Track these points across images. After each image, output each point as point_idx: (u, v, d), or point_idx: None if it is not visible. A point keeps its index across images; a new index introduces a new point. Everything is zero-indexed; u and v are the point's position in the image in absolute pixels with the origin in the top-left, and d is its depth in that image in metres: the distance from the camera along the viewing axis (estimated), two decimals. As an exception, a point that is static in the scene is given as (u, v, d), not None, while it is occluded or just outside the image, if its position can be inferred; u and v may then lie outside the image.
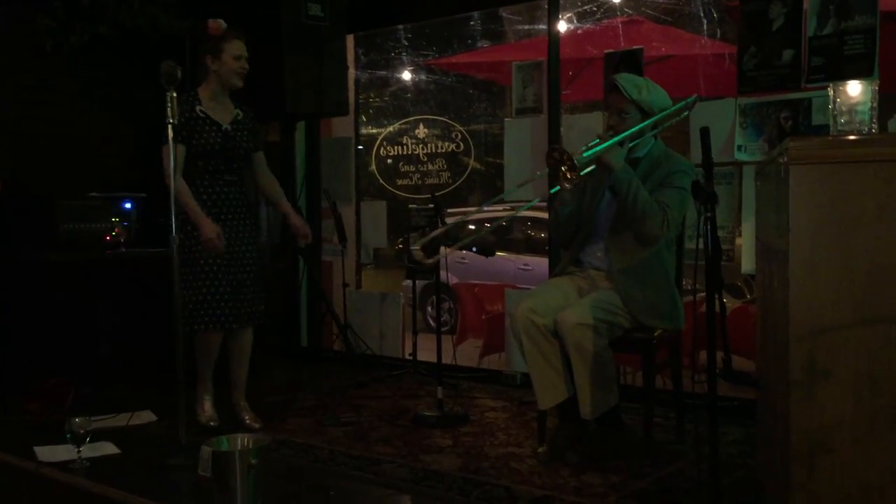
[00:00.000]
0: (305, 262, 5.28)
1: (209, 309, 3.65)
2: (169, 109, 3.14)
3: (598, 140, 3.19)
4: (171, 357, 3.20)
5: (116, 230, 4.62)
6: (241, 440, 2.71)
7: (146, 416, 3.85)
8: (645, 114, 3.25)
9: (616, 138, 3.17)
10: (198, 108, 3.67)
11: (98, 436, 3.29)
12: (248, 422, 3.77)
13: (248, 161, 3.86)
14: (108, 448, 3.32)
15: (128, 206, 4.71)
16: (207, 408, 3.76)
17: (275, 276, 5.23)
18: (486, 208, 7.22)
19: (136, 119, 4.81)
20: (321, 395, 4.39)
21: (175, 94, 3.15)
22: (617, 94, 3.26)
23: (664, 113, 3.27)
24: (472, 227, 8.43)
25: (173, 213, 3.20)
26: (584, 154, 3.06)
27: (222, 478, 2.56)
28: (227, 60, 3.68)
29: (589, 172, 3.18)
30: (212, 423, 3.69)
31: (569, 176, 3.01)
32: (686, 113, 3.40)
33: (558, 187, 3.14)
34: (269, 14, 4.60)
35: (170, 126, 3.16)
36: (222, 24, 3.68)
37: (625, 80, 3.27)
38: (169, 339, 3.33)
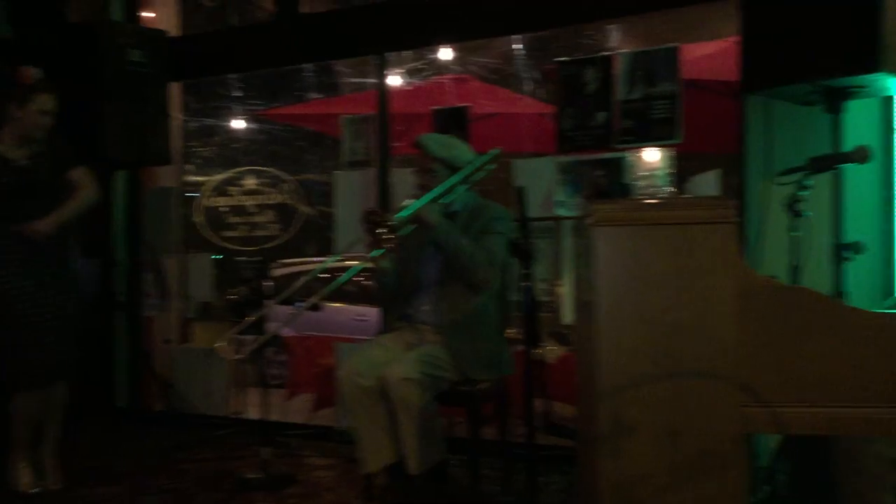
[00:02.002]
0: (126, 315, 5.01)
1: (26, 367, 3.47)
2: None
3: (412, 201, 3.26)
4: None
5: None
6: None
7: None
8: (453, 169, 3.34)
9: (429, 195, 3.24)
10: None
11: None
12: (47, 480, 3.58)
13: (52, 197, 3.53)
14: None
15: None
16: (27, 474, 3.55)
17: (89, 330, 4.91)
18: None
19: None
20: (139, 458, 4.13)
21: None
22: (422, 154, 3.35)
23: (471, 166, 3.37)
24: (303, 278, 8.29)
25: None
26: (400, 214, 3.10)
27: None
28: (31, 113, 3.47)
29: (407, 232, 3.22)
30: (35, 490, 3.49)
31: (386, 237, 3.05)
32: (493, 165, 3.50)
33: (382, 250, 3.14)
34: (90, 59, 4.40)
35: None
36: (35, 73, 3.51)
37: (428, 139, 3.40)
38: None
